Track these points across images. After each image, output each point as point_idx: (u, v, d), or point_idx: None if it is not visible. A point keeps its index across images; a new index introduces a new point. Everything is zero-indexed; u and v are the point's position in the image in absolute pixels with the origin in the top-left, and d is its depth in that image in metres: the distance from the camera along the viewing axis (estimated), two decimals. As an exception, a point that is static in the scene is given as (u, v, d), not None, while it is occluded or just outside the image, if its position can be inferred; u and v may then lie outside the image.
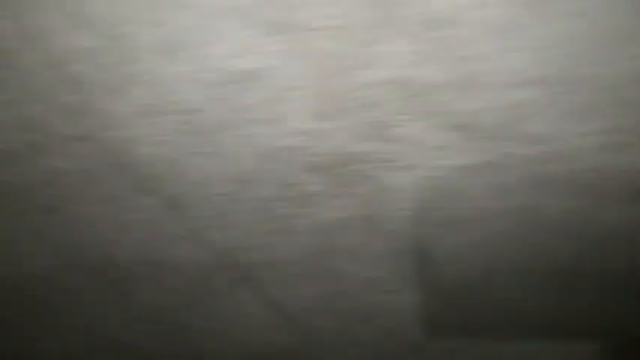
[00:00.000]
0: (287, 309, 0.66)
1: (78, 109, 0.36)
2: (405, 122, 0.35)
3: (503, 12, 0.29)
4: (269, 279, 0.60)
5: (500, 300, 0.59)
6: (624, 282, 0.54)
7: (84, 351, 0.84)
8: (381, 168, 0.40)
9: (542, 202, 0.44)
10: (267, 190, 0.44)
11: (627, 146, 0.38)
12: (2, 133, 0.38)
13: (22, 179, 0.44)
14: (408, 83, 0.33)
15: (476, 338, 0.70)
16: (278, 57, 0.32)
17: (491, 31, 0.30)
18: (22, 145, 0.40)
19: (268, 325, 0.72)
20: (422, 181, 0.41)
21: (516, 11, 0.29)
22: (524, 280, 0.55)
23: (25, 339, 0.81)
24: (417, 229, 0.47)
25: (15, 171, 0.42)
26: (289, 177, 0.41)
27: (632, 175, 0.40)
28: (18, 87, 0.34)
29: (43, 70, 0.33)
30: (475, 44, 0.31)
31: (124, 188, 0.45)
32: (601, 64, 0.32)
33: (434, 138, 0.36)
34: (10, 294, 0.65)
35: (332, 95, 0.34)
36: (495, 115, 0.36)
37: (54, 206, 0.48)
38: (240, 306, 0.66)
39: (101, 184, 0.44)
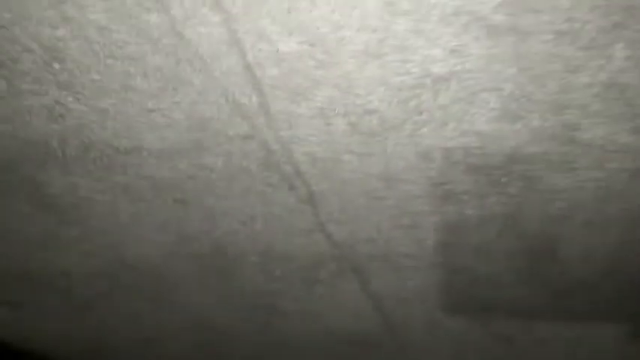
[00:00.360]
0: (386, 300, 0.67)
1: (252, 111, 0.36)
2: (593, 126, 0.34)
3: None
4: (378, 271, 0.60)
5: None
6: None
7: (180, 330, 0.89)
8: (544, 169, 0.38)
9: None
10: (413, 188, 0.42)
11: None
12: (172, 132, 0.38)
13: (171, 174, 0.43)
14: (612, 87, 0.31)
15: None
16: (479, 60, 0.31)
17: None
18: (187, 143, 0.39)
19: (363, 315, 0.73)
20: (585, 184, 0.39)
21: None
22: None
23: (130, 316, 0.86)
24: (558, 229, 0.45)
25: (167, 166, 0.42)
26: (441, 176, 0.40)
27: None
28: (201, 88, 0.34)
29: (236, 73, 0.32)
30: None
31: (265, 184, 0.45)
32: None
33: (615, 141, 0.35)
34: (120, 277, 0.69)
35: (526, 96, 0.32)
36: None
37: (186, 199, 0.47)
38: (341, 295, 0.67)
39: (243, 179, 0.44)
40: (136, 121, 0.38)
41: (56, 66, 0.34)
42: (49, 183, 0.48)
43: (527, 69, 0.32)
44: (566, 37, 0.30)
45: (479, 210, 0.45)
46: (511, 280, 0.59)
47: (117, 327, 0.95)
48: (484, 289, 0.64)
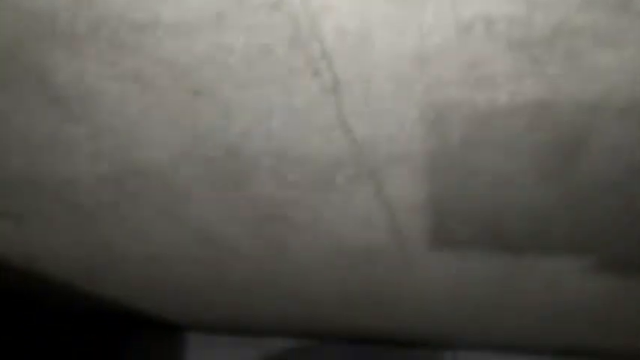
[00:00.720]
0: (398, 208, 0.67)
1: None
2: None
3: None
4: (395, 174, 0.58)
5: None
6: None
7: (187, 246, 0.89)
8: (589, 44, 0.35)
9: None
10: (446, 73, 0.40)
11: None
12: (193, 1, 0.34)
13: (187, 58, 0.40)
14: None
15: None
16: None
17: None
18: (208, 16, 0.36)
19: (374, 225, 0.73)
20: (627, 65, 0.36)
21: None
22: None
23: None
24: (591, 119, 0.43)
25: (184, 46, 0.39)
26: (478, 55, 0.37)
27: None
28: None
29: None
30: None
31: (288, 69, 0.42)
32: None
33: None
34: (128, 185, 0.67)
35: None
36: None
37: (202, 89, 0.45)
38: (355, 202, 0.67)
39: (264, 64, 0.41)
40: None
41: None
42: (55, 69, 0.45)
43: None
44: None
45: (512, 96, 0.43)
46: (532, 182, 0.58)
47: (122, 242, 0.95)
48: (501, 192, 0.63)
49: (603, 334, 1.26)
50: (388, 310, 1.26)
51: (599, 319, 1.13)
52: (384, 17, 0.36)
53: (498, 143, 0.51)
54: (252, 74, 0.43)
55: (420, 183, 0.62)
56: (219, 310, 1.49)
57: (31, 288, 1.34)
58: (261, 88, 0.45)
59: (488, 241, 0.80)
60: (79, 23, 0.38)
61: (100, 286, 1.27)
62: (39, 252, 1.01)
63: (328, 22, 0.37)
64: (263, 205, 0.73)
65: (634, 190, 0.56)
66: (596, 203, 0.60)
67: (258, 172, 0.63)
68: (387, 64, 0.41)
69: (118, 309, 1.64)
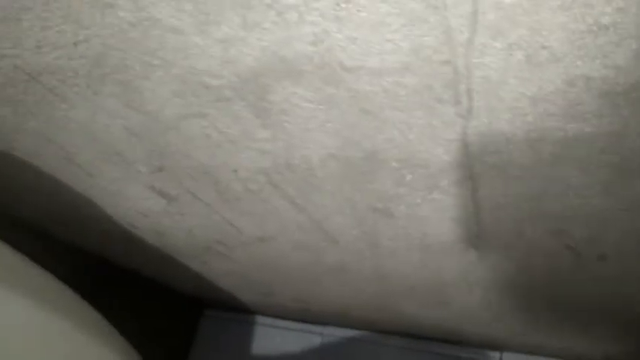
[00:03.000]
0: (485, 207, 0.84)
1: (460, 43, 0.50)
2: None
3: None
4: (491, 179, 0.75)
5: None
6: None
7: (287, 230, 1.08)
8: None
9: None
10: (552, 107, 0.58)
11: None
12: (394, 56, 0.54)
13: (371, 87, 0.59)
14: None
15: None
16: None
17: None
18: (398, 65, 0.55)
19: (461, 220, 0.91)
20: None
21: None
22: None
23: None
24: None
25: (373, 82, 0.58)
26: (577, 98, 0.55)
27: None
28: (432, 25, 0.49)
29: (462, 16, 0.46)
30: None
31: (438, 99, 0.62)
32: None
33: None
34: (274, 171, 0.86)
35: None
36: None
37: (372, 109, 0.64)
38: (451, 200, 0.85)
39: (425, 95, 0.60)
40: (369, 41, 0.55)
41: None
42: (274, 92, 0.65)
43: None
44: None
45: (594, 128, 0.61)
46: (597, 194, 0.75)
47: (243, 224, 1.15)
48: (569, 201, 0.80)
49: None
50: (452, 308, 1.42)
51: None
52: (517, 72, 0.55)
53: (576, 161, 0.69)
54: (410, 101, 0.63)
55: (508, 187, 0.80)
56: (294, 295, 1.68)
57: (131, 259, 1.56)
58: (413, 111, 0.64)
59: (550, 242, 0.97)
60: (310, 65, 0.58)
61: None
62: (169, 229, 1.23)
63: (479, 73, 0.55)
64: (374, 199, 0.92)
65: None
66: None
67: (383, 171, 0.82)
68: (510, 100, 0.59)
69: (197, 290, 1.84)
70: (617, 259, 0.99)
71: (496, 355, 1.89)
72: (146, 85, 0.65)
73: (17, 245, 0.83)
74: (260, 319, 2.07)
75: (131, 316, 1.68)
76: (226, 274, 1.61)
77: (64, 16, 0.56)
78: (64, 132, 0.80)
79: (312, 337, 1.95)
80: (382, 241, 1.11)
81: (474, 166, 0.78)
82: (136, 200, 1.06)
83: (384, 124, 0.69)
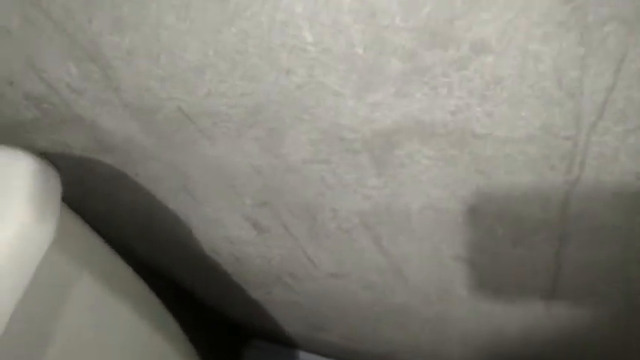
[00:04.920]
0: (565, 265, 0.93)
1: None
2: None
3: None
4: (578, 241, 0.86)
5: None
6: None
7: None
8: None
9: None
10: None
11: None
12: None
13: (495, 153, 0.70)
14: None
15: None
16: None
17: None
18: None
19: (539, 273, 1.00)
20: None
21: None
22: None
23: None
24: None
25: (495, 148, 0.69)
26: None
27: None
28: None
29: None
30: None
31: (548, 165, 0.72)
32: None
33: None
34: (370, 216, 0.97)
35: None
36: None
37: (484, 171, 0.75)
38: (534, 256, 0.94)
39: (540, 164, 0.70)
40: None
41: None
42: (400, 148, 0.76)
43: None
44: None
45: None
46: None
47: (323, 258, 1.25)
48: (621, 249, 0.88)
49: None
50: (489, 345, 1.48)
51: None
52: (629, 152, 0.64)
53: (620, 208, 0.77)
54: (525, 166, 0.72)
55: (594, 250, 0.88)
56: (346, 332, 1.75)
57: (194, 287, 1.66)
58: (525, 174, 0.74)
59: (620, 302, 1.04)
60: (443, 129, 0.69)
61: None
62: (248, 257, 1.33)
63: (595, 149, 0.65)
64: (460, 249, 1.01)
65: None
66: None
67: (477, 225, 0.91)
68: (618, 173, 0.68)
69: (246, 317, 1.92)
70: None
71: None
72: (289, 133, 0.76)
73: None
74: (304, 355, 2.14)
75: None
76: (285, 305, 1.69)
77: (243, 75, 0.67)
78: (193, 164, 0.91)
79: (355, 376, 2.00)
80: (455, 288, 1.19)
81: (567, 226, 0.86)
82: (229, 228, 1.16)
83: (494, 184, 0.78)
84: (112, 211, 1.21)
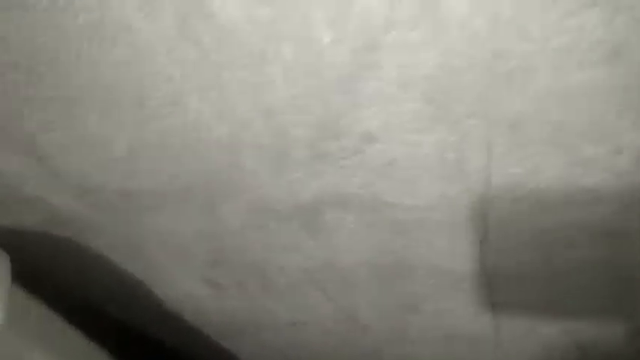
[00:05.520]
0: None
1: None
2: None
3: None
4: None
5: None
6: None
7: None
8: None
9: None
10: None
11: None
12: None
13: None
14: None
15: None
16: None
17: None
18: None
19: (479, 344, 1.07)
20: None
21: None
22: None
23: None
24: None
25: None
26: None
27: None
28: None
29: None
30: None
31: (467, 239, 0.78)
32: None
33: None
34: (320, 273, 1.02)
35: None
36: None
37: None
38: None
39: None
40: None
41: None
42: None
43: None
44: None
45: (586, 255, 0.76)
46: (605, 303, 0.89)
47: (276, 308, 1.30)
48: (579, 304, 0.94)
49: None
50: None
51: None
52: (521, 216, 0.71)
53: (578, 278, 0.84)
54: (437, 228, 0.79)
55: (522, 293, 0.94)
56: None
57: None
58: (439, 235, 0.80)
59: (561, 339, 1.10)
60: (358, 199, 0.76)
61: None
62: (209, 311, 1.38)
63: (493, 214, 0.72)
64: (403, 298, 1.07)
65: None
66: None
67: (411, 276, 0.97)
68: (514, 232, 0.75)
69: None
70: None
71: None
72: (223, 206, 0.83)
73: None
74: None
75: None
76: (252, 354, 1.73)
77: (170, 161, 0.74)
78: (143, 234, 0.98)
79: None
80: (410, 332, 1.24)
81: (491, 276, 0.92)
82: (188, 287, 1.22)
83: (414, 242, 0.85)
84: (76, 280, 1.27)
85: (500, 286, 0.94)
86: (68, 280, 1.23)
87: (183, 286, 1.21)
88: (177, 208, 0.85)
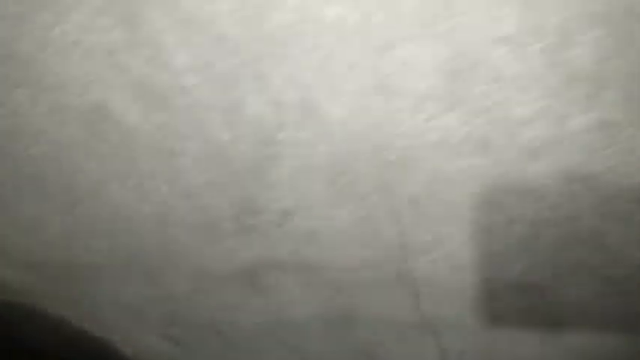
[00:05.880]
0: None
1: None
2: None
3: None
4: (449, 333, 0.96)
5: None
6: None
7: None
8: None
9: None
10: None
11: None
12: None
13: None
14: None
15: None
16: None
17: None
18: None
19: None
20: None
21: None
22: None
23: None
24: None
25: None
26: None
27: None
28: None
29: None
30: None
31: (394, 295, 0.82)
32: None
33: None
34: (277, 327, 1.05)
35: None
36: None
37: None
38: (415, 350, 1.04)
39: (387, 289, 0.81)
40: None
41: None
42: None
43: None
44: None
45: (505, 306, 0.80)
46: (533, 343, 0.93)
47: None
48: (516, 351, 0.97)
49: None
50: None
51: None
52: (442, 276, 0.75)
53: (507, 326, 0.87)
54: (371, 285, 0.82)
55: (465, 340, 0.97)
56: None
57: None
58: (375, 291, 0.84)
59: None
60: (292, 263, 0.79)
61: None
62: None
63: (416, 274, 0.76)
64: (358, 345, 1.09)
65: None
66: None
67: (360, 328, 1.00)
68: (442, 287, 0.79)
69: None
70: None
71: None
72: (166, 272, 0.86)
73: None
74: None
75: None
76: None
77: (108, 236, 0.77)
78: (93, 300, 1.00)
79: None
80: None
81: (434, 325, 0.95)
82: (145, 342, 1.23)
83: (354, 298, 0.88)
84: (33, 343, 1.28)
85: (444, 334, 0.97)
86: (24, 342, 1.25)
87: (141, 343, 1.22)
88: (121, 278, 0.88)
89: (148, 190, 0.63)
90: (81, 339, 1.21)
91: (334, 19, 0.40)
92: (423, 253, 0.70)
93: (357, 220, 0.64)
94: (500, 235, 0.60)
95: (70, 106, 0.50)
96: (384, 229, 0.65)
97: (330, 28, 0.41)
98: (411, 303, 0.87)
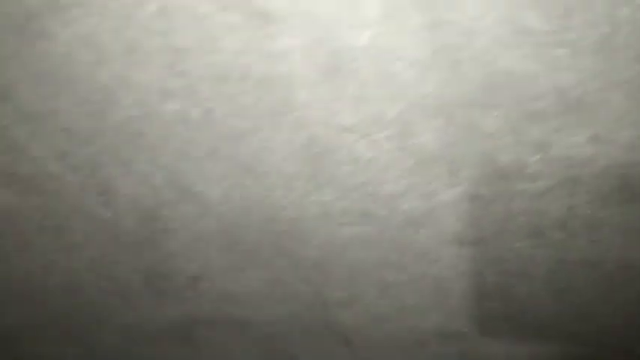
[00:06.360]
0: None
1: None
2: None
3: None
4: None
5: None
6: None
7: None
8: None
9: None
10: None
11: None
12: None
13: None
14: None
15: None
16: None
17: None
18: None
19: None
20: None
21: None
22: None
23: None
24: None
25: None
26: None
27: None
28: None
29: None
30: None
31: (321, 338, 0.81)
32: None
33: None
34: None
35: None
36: None
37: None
38: None
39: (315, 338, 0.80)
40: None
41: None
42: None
43: None
44: None
45: None
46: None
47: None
48: None
49: None
50: None
51: None
52: (373, 325, 0.73)
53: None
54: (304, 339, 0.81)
55: None
56: None
57: None
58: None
59: None
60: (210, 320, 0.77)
61: None
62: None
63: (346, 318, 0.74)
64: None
65: None
66: None
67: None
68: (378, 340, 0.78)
69: None
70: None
71: None
72: (96, 334, 0.84)
73: None
74: None
75: None
76: None
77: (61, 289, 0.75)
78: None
79: None
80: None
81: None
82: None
83: (289, 349, 0.86)
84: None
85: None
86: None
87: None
88: (56, 339, 0.86)
89: (48, 264, 0.62)
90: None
91: (174, 115, 0.40)
92: (344, 307, 0.69)
93: (269, 281, 0.62)
94: (410, 290, 0.59)
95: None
96: (299, 289, 0.64)
97: (173, 122, 0.40)
98: (345, 351, 0.85)
